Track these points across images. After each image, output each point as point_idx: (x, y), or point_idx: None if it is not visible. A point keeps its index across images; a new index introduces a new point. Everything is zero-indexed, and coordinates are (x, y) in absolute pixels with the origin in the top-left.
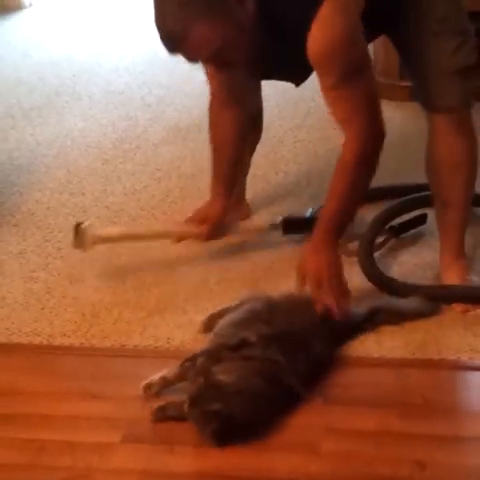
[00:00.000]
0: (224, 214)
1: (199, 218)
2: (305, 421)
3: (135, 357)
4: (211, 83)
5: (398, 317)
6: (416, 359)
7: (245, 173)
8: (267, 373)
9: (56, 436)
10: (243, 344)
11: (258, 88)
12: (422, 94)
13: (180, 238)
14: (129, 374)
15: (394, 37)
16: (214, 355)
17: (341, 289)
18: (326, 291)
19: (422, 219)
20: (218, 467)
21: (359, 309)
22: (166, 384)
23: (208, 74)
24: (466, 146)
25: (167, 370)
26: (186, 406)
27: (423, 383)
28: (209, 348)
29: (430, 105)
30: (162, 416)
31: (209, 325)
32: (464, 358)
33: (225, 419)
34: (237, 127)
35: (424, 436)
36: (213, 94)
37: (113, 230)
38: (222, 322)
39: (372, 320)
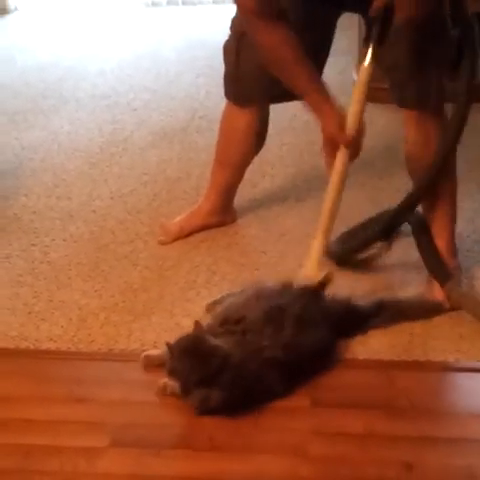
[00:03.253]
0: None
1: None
2: (292, 424)
3: (122, 361)
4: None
5: (401, 315)
6: (402, 361)
7: (239, 180)
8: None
9: (43, 440)
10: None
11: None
12: (401, 92)
13: None
14: (116, 378)
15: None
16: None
17: None
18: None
19: None
20: (206, 471)
21: (366, 303)
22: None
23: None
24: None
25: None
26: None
27: (409, 385)
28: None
29: (403, 101)
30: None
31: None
32: (450, 359)
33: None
34: (251, 133)
35: (411, 437)
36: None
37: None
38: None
39: (379, 315)
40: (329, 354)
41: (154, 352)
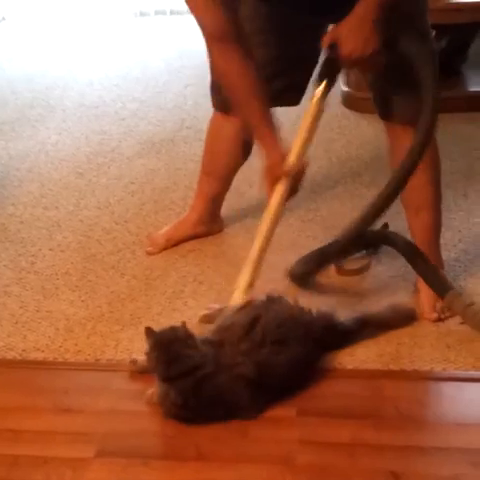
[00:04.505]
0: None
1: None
2: (279, 433)
3: (109, 371)
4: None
5: (378, 327)
6: (389, 370)
7: (226, 189)
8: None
9: (29, 451)
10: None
11: None
12: (383, 106)
13: None
14: (103, 388)
15: None
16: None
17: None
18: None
19: (386, 228)
20: None
21: (347, 319)
22: None
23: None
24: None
25: None
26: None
27: (397, 394)
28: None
29: (390, 116)
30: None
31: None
32: (437, 369)
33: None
34: (238, 142)
35: (398, 447)
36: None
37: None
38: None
39: (358, 333)
40: (310, 371)
41: (142, 358)
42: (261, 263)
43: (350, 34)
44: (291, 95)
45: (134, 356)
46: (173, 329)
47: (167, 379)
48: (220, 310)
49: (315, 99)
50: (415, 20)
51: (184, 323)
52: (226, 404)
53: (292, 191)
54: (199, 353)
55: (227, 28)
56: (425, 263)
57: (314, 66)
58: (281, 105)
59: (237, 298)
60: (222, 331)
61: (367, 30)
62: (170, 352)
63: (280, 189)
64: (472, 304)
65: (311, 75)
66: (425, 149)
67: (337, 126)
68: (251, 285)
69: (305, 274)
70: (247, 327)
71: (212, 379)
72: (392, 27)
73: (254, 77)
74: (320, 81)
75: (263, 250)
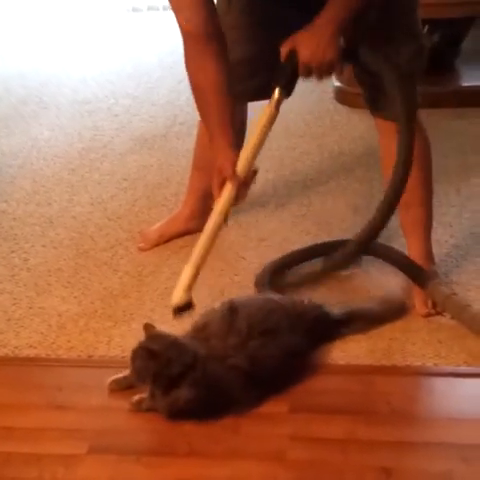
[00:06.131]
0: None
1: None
2: (271, 429)
3: (102, 368)
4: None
5: (370, 322)
6: (381, 366)
7: None
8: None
9: (22, 448)
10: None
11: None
12: (374, 102)
13: None
14: (96, 385)
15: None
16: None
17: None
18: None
19: None
20: (185, 477)
21: (335, 312)
22: None
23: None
24: (418, 143)
25: None
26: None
27: (388, 390)
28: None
29: (380, 112)
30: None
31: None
32: (429, 364)
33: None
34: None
35: (390, 443)
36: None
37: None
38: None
39: (347, 326)
40: (302, 363)
41: (120, 375)
42: (204, 264)
43: (309, 41)
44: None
45: (111, 378)
46: (151, 336)
47: (174, 377)
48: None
49: (268, 106)
50: (402, 19)
51: (147, 324)
52: (222, 395)
53: (238, 197)
54: (191, 347)
55: (206, 28)
56: (400, 257)
57: None
58: (264, 99)
59: (177, 296)
60: (200, 330)
61: (327, 38)
62: (166, 353)
63: (226, 193)
64: (453, 294)
65: None
66: (409, 167)
67: (329, 121)
68: (192, 284)
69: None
70: (227, 319)
71: (211, 365)
72: (354, 39)
73: (223, 79)
74: (274, 88)
75: (207, 252)
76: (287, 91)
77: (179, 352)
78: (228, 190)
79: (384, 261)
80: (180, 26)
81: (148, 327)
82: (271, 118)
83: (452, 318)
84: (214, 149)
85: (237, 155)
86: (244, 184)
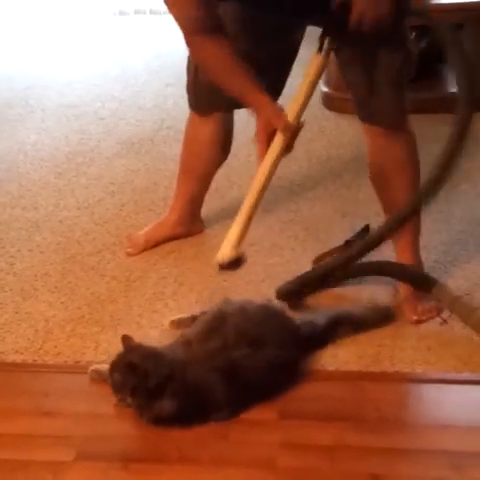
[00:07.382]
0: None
1: None
2: (260, 436)
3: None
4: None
5: (356, 327)
6: (370, 372)
7: (205, 190)
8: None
9: (9, 455)
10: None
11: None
12: (363, 108)
13: None
14: (83, 391)
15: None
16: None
17: None
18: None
19: (367, 230)
20: None
21: (319, 319)
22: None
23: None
24: (406, 148)
25: None
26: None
27: (378, 396)
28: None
29: (369, 119)
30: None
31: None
32: (418, 371)
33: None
34: (216, 141)
35: (379, 449)
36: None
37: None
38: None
39: (333, 332)
40: (290, 372)
41: (103, 367)
42: (252, 219)
43: None
44: None
45: (94, 366)
46: (129, 348)
47: (153, 389)
48: (192, 317)
49: (316, 56)
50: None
51: (125, 336)
52: (205, 400)
53: (288, 148)
54: (168, 357)
55: (205, 22)
56: (399, 267)
57: (286, 68)
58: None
59: (225, 252)
60: (187, 334)
61: None
62: (143, 365)
63: (277, 144)
64: (460, 296)
65: (284, 77)
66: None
67: (317, 127)
68: (240, 240)
69: (291, 293)
70: (210, 323)
71: (191, 376)
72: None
73: (234, 54)
74: (324, 37)
75: (256, 206)
76: (334, 41)
77: (156, 364)
78: (279, 141)
79: (384, 276)
80: (180, 25)
81: (126, 339)
82: (321, 67)
83: (461, 321)
84: (255, 106)
85: (280, 107)
86: (294, 134)
